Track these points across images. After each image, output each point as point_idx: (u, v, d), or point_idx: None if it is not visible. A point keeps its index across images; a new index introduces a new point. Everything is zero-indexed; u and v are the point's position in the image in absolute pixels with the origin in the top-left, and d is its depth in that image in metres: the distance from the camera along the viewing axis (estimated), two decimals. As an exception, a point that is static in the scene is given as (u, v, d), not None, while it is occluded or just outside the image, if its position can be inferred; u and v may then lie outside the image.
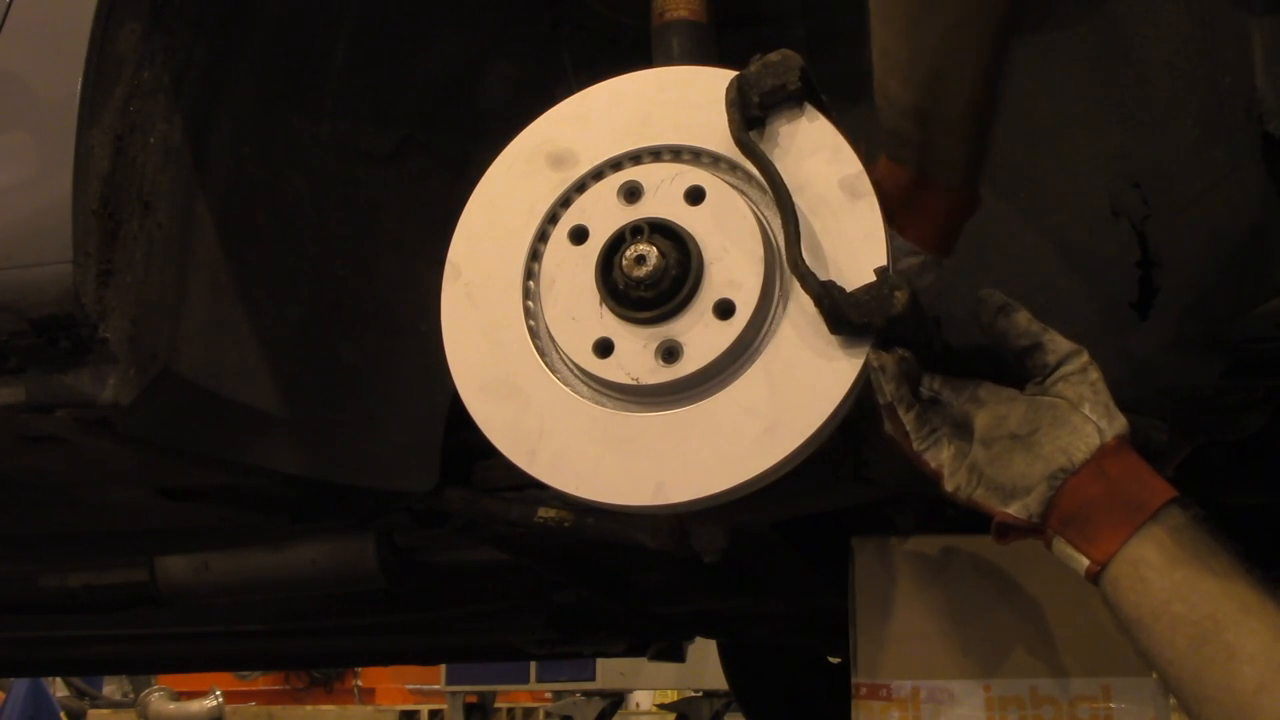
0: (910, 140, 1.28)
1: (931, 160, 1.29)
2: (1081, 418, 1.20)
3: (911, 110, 1.25)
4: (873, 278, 1.22)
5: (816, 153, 1.28)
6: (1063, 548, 1.20)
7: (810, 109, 1.30)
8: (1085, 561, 1.18)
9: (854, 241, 1.25)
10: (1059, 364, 1.24)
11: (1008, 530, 1.23)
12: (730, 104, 1.29)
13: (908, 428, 1.24)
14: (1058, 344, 1.25)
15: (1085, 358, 1.24)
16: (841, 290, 1.22)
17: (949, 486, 1.23)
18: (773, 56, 1.30)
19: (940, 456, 1.24)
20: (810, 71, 1.30)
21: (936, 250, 1.36)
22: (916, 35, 1.21)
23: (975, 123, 1.28)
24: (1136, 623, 1.16)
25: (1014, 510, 1.20)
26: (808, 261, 1.23)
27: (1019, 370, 1.27)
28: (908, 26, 1.22)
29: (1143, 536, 1.16)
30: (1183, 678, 1.14)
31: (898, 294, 1.20)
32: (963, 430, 1.25)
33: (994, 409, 1.23)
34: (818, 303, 1.22)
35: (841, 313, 1.21)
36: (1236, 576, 1.14)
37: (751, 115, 1.29)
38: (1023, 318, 1.27)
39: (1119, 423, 1.21)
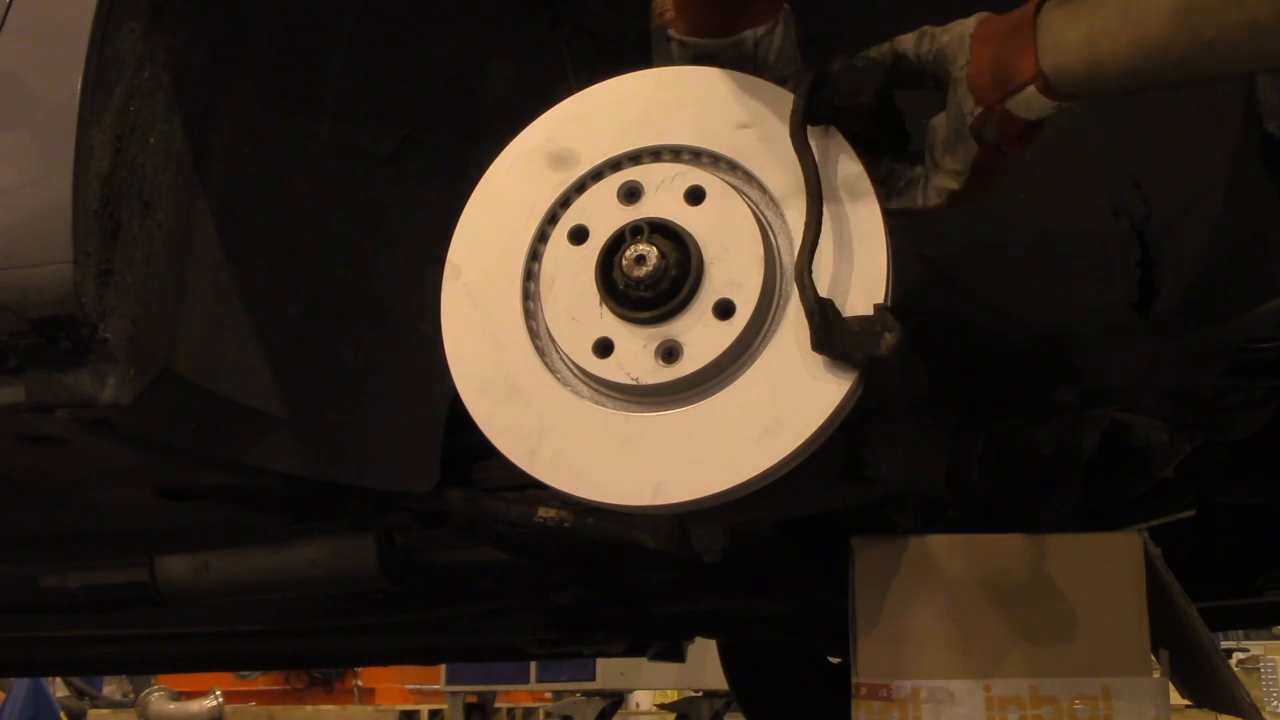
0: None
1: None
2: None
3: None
4: (868, 284, 1.22)
5: (825, 155, 1.28)
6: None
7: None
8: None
9: (855, 243, 1.25)
10: None
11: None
12: (800, 94, 1.28)
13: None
14: None
15: None
16: (836, 312, 1.22)
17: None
18: (858, 61, 1.29)
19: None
20: (890, 85, 1.28)
21: None
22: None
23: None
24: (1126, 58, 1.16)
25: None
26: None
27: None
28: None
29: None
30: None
31: (888, 335, 1.20)
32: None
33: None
34: (810, 317, 1.22)
35: (829, 335, 1.21)
36: None
37: (819, 115, 1.28)
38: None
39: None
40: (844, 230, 1.26)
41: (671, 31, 1.34)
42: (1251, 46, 1.13)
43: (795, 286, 1.24)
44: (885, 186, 1.30)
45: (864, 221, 1.26)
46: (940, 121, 1.29)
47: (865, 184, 1.27)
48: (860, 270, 1.25)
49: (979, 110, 1.23)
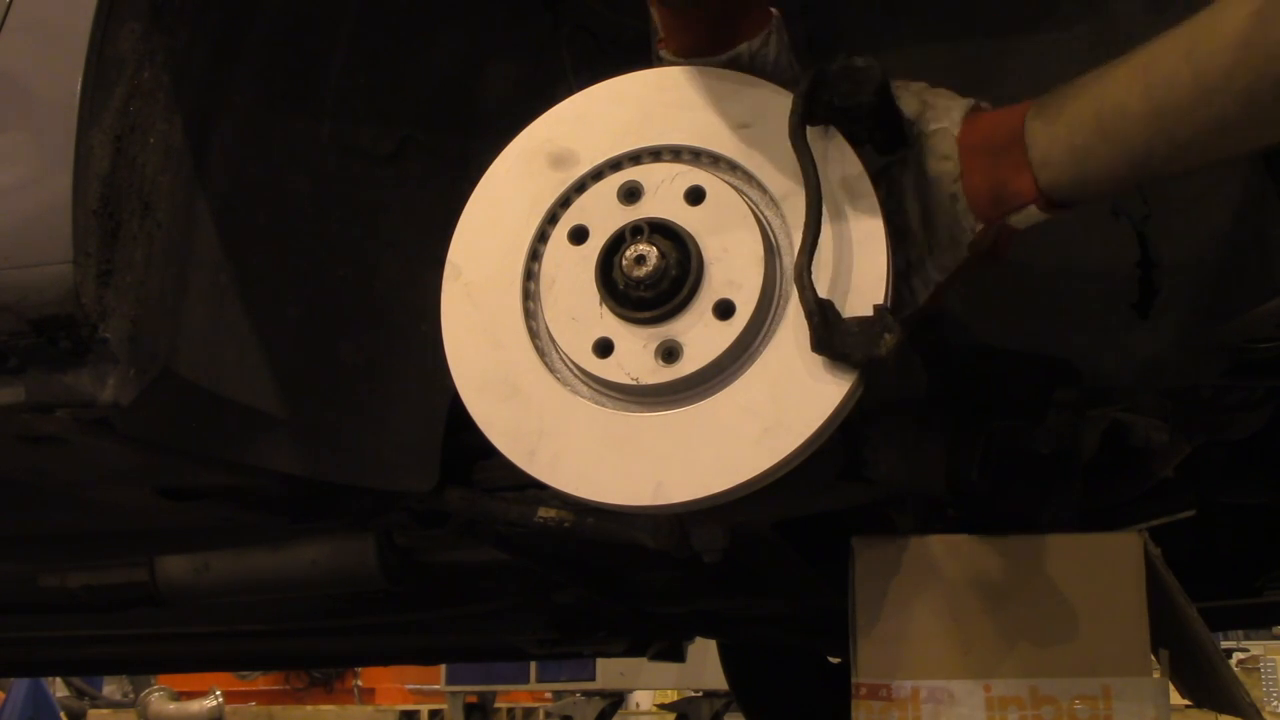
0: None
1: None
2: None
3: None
4: (866, 282, 1.22)
5: (825, 155, 1.28)
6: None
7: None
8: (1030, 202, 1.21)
9: (855, 243, 1.25)
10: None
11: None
12: (800, 95, 1.28)
13: None
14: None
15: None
16: (836, 313, 1.22)
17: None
18: (858, 61, 1.28)
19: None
20: (890, 88, 1.28)
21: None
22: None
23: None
24: (1114, 143, 1.16)
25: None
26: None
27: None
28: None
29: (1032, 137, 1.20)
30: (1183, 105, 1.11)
31: (887, 336, 1.20)
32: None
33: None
34: (809, 318, 1.21)
35: (829, 336, 1.21)
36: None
37: (817, 115, 1.28)
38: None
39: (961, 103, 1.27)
40: (844, 231, 1.26)
41: (663, 52, 1.34)
42: (1223, 142, 1.14)
43: (795, 287, 1.24)
44: None
45: (864, 222, 1.26)
46: (913, 214, 1.30)
47: (865, 184, 1.27)
48: (860, 271, 1.25)
49: (980, 226, 1.25)
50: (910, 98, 1.30)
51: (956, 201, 1.26)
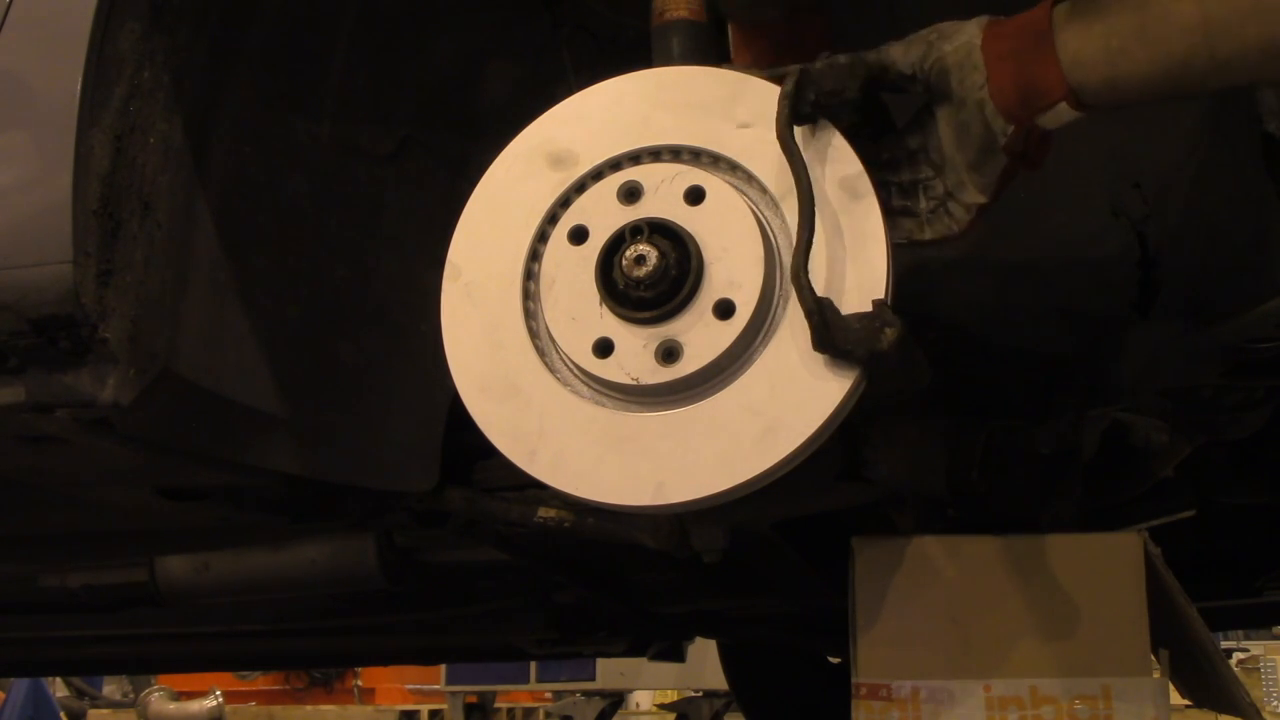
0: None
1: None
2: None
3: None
4: (867, 282, 1.22)
5: (824, 152, 1.28)
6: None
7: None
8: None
9: (854, 242, 1.25)
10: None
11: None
12: (785, 95, 1.28)
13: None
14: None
15: None
16: (835, 311, 1.22)
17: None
18: (840, 58, 1.28)
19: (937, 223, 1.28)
20: (876, 84, 1.28)
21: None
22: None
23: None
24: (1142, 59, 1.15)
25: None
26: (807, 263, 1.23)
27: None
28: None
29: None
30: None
31: (888, 330, 1.20)
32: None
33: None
34: (809, 317, 1.21)
35: (829, 334, 1.21)
36: None
37: (803, 112, 1.28)
38: None
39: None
40: (842, 229, 1.26)
41: (734, 66, 1.36)
42: (1263, 66, 1.13)
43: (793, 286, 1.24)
44: (905, 222, 1.31)
45: (863, 220, 1.26)
46: (947, 141, 1.29)
47: (865, 183, 1.27)
48: (859, 268, 1.24)
49: (1011, 128, 1.24)
50: (915, 44, 1.29)
51: (984, 107, 1.24)
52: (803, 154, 1.27)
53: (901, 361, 1.22)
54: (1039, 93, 1.22)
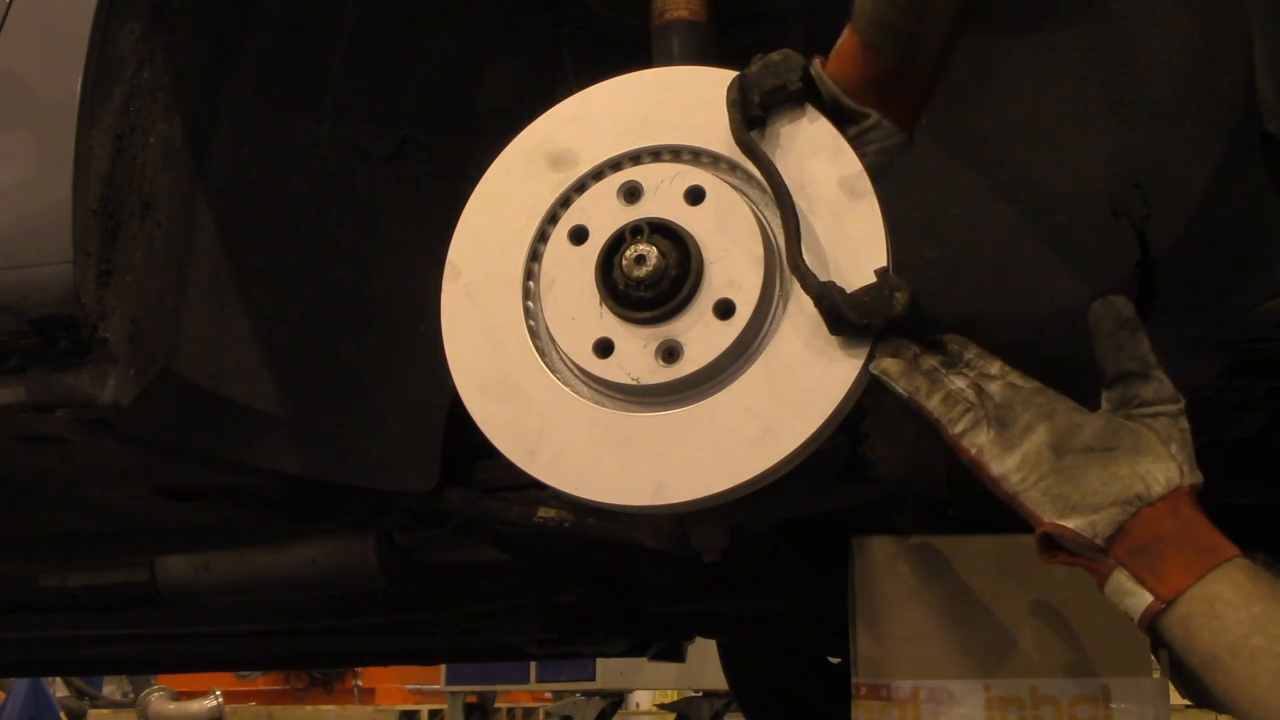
0: (900, 30, 1.27)
1: (921, 48, 1.28)
2: (1168, 454, 1.17)
3: (907, 4, 1.25)
4: (873, 277, 1.22)
5: (817, 153, 1.28)
6: (1123, 580, 1.15)
7: (811, 110, 1.30)
8: (1148, 598, 1.13)
9: (854, 241, 1.25)
10: (1158, 401, 1.21)
11: (1057, 548, 1.19)
12: (731, 103, 1.29)
13: (937, 415, 1.20)
14: (1166, 384, 1.22)
15: (1182, 406, 1.21)
16: (841, 291, 1.22)
17: (994, 471, 1.19)
18: (774, 56, 1.30)
19: (978, 440, 1.19)
20: (813, 71, 1.30)
21: (909, 128, 1.35)
22: None
23: (961, 15, 1.28)
24: (1213, 661, 1.11)
25: (1075, 525, 1.15)
26: (808, 261, 1.23)
27: (1107, 388, 1.23)
28: None
29: (1217, 575, 1.12)
30: (1271, 713, 1.09)
31: (898, 295, 1.20)
32: (1004, 422, 1.20)
33: (1067, 417, 1.19)
34: (817, 303, 1.22)
35: (841, 313, 1.21)
36: None
37: (753, 115, 1.29)
38: (1146, 343, 1.23)
39: (1198, 475, 1.17)
40: (843, 229, 1.26)
41: (817, 63, 1.34)
42: None
43: (795, 285, 1.24)
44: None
45: (864, 221, 1.26)
46: None
47: (865, 183, 1.27)
48: (859, 262, 1.24)
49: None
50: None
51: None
52: (801, 155, 1.27)
53: (917, 324, 1.21)
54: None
